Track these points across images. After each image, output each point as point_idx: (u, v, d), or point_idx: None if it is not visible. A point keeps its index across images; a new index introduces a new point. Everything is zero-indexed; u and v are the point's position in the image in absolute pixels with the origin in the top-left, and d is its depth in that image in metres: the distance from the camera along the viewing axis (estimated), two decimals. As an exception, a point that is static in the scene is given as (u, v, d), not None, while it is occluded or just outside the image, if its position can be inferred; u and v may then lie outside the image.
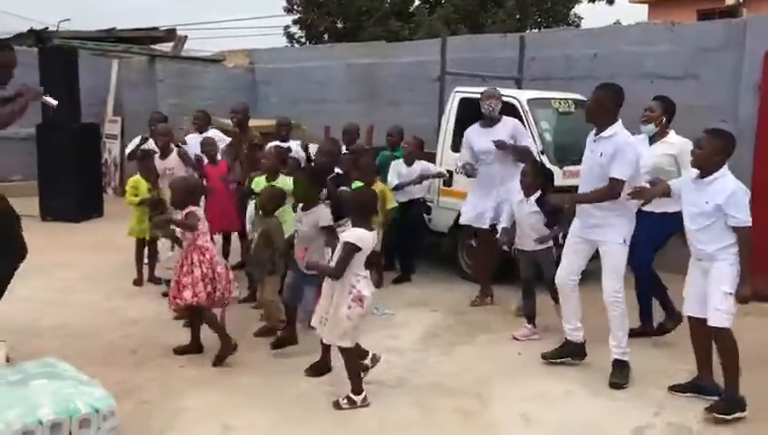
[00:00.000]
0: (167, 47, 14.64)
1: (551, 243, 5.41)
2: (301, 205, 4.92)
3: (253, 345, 5.11)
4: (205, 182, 6.38)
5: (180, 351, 4.93)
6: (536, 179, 5.47)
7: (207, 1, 53.50)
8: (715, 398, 4.20)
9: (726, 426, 4.01)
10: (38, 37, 14.01)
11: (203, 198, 5.66)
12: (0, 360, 3.19)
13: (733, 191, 4.05)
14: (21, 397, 2.99)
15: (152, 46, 14.64)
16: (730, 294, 4.04)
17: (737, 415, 4.04)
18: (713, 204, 4.06)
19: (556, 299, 5.17)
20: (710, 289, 4.10)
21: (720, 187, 4.08)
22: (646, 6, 22.67)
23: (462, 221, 6.59)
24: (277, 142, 7.09)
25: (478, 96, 6.60)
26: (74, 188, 9.90)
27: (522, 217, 5.47)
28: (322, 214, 4.83)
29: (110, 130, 12.88)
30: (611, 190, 4.51)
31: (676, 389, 4.45)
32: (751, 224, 4.05)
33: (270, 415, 4.02)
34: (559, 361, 4.91)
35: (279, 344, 5.04)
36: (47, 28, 14.67)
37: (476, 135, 6.29)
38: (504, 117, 6.31)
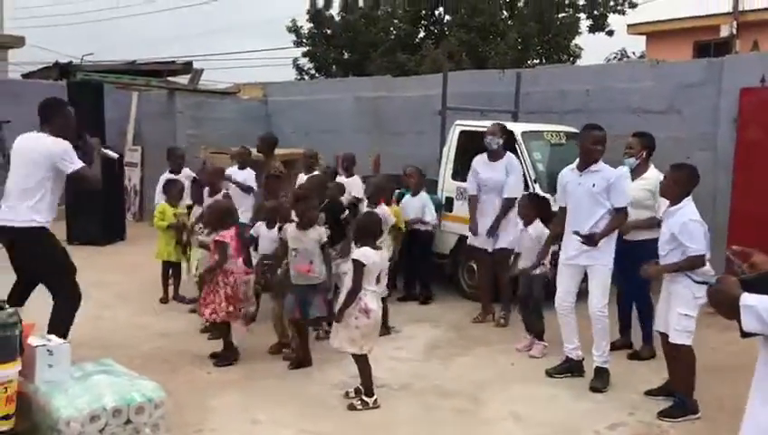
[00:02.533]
0: (184, 79, 15.41)
1: (545, 268, 5.98)
2: (296, 225, 5.38)
3: (266, 356, 5.71)
4: None
5: (214, 355, 5.53)
6: (533, 210, 6.09)
7: (221, 33, 54.89)
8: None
9: (685, 423, 4.56)
10: (62, 70, 14.81)
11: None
12: (67, 359, 3.75)
13: (684, 223, 4.53)
14: (86, 388, 3.57)
15: (169, 78, 15.41)
16: (685, 315, 4.55)
17: (688, 417, 4.59)
18: (669, 233, 4.62)
19: (536, 313, 5.93)
20: (669, 310, 4.66)
21: (678, 218, 4.60)
22: (644, 38, 23.30)
23: (469, 242, 7.15)
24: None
25: (477, 129, 7.23)
26: (100, 214, 10.51)
27: (522, 245, 6.08)
28: (321, 232, 5.39)
29: (130, 159, 13.56)
30: (625, 217, 5.19)
31: (650, 393, 5.00)
32: (703, 252, 4.49)
33: (292, 411, 4.61)
34: (561, 376, 5.39)
35: (297, 366, 5.47)
36: (71, 62, 15.41)
37: (482, 165, 6.91)
38: (508, 153, 6.91)
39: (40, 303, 5.06)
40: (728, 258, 2.46)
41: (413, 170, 7.66)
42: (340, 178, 7.94)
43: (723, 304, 2.08)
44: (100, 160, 5.26)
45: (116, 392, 3.57)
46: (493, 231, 6.76)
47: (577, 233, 5.05)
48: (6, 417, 3.25)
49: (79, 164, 4.85)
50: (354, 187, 7.78)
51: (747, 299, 2.01)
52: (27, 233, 4.79)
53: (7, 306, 3.33)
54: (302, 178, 7.64)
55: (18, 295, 4.96)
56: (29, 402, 3.49)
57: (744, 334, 2.05)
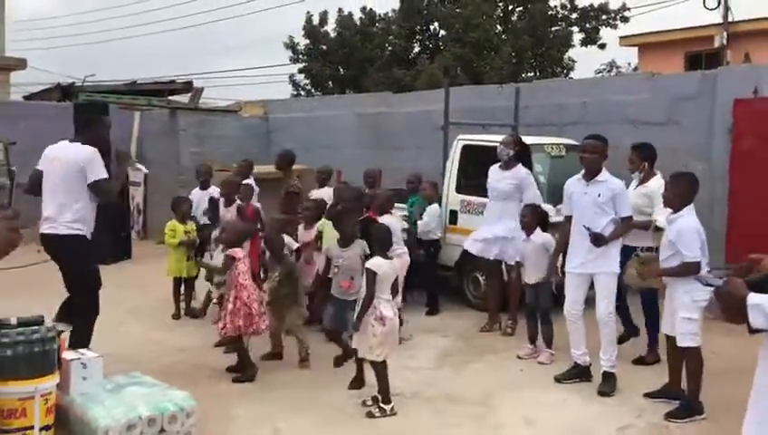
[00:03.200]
0: (184, 98, 15.59)
1: (549, 277, 6.09)
2: (339, 242, 5.68)
3: (284, 367, 5.88)
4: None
5: (231, 368, 5.68)
6: (534, 219, 6.29)
7: (221, 52, 55.41)
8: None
9: (692, 424, 4.74)
10: (64, 91, 14.98)
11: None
12: (99, 372, 3.91)
13: (681, 230, 4.74)
14: (121, 399, 3.73)
15: (171, 98, 15.59)
16: (688, 318, 4.74)
17: (694, 418, 4.77)
18: (668, 239, 4.83)
19: (544, 322, 6.09)
20: (674, 314, 4.86)
21: (677, 225, 4.81)
22: (636, 49, 23.63)
23: (470, 249, 7.29)
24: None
25: (479, 143, 7.45)
26: (106, 233, 10.64)
27: (526, 254, 6.26)
28: (362, 246, 5.58)
29: (133, 178, 13.71)
30: (630, 225, 5.44)
31: (649, 395, 5.18)
32: (697, 260, 4.68)
33: (312, 419, 4.77)
34: (570, 382, 5.56)
35: (340, 361, 5.75)
36: (74, 83, 15.58)
37: (494, 173, 7.09)
38: (519, 165, 7.07)
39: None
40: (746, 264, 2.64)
41: (428, 184, 7.91)
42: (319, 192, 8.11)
43: (730, 305, 2.26)
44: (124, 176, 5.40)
45: (150, 402, 3.73)
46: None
47: (587, 228, 5.21)
48: (47, 427, 3.40)
49: (101, 175, 4.99)
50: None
51: (754, 298, 2.20)
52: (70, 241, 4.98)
53: (48, 321, 3.49)
54: (316, 193, 7.80)
55: (68, 310, 5.16)
56: (66, 413, 3.64)
57: (752, 331, 2.23)
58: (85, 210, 5.05)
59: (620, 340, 5.78)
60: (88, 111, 10.99)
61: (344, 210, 6.00)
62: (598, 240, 5.22)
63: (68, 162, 5.02)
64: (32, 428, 3.31)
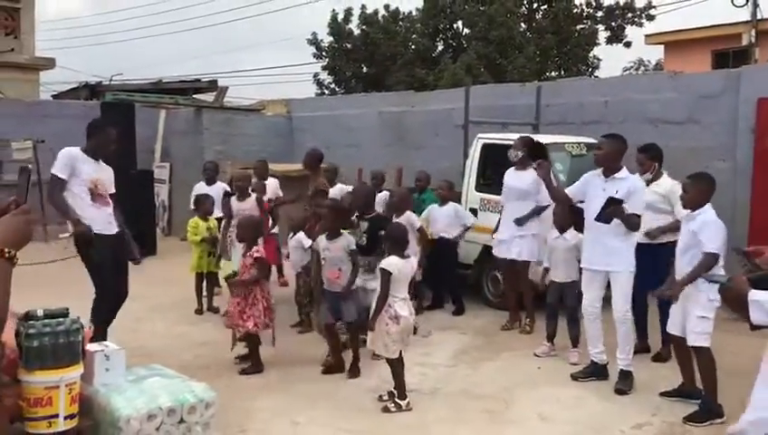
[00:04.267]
0: (209, 96, 15.81)
1: (577, 276, 6.07)
2: (326, 234, 5.71)
3: (302, 362, 5.96)
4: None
5: (249, 371, 5.74)
6: (568, 218, 6.24)
7: (246, 49, 55.92)
8: (698, 401, 4.91)
9: (711, 428, 4.71)
10: (92, 90, 15.29)
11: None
12: (122, 364, 4.02)
13: (705, 222, 4.72)
14: (142, 390, 3.83)
15: (195, 96, 15.82)
16: (703, 317, 4.72)
17: (713, 422, 4.73)
18: (690, 232, 4.80)
19: (571, 320, 6.04)
20: (687, 314, 4.84)
21: (699, 218, 4.78)
22: (662, 47, 23.41)
23: (494, 252, 7.34)
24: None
25: (499, 141, 7.48)
26: (132, 230, 10.81)
27: (556, 252, 6.26)
28: (349, 240, 5.67)
29: (158, 175, 13.93)
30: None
31: (665, 394, 5.18)
32: (717, 252, 4.65)
33: (329, 413, 4.85)
34: (587, 380, 5.57)
35: (328, 371, 5.72)
36: (101, 82, 15.86)
37: (510, 175, 7.14)
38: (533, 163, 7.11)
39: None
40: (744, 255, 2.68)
41: (444, 184, 7.91)
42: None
43: (733, 300, 2.31)
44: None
45: (170, 393, 3.82)
46: (524, 220, 6.97)
47: (606, 206, 5.21)
48: (72, 416, 3.50)
49: (53, 171, 5.38)
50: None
51: (755, 295, 2.24)
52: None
53: (72, 314, 3.60)
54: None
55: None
56: (90, 403, 3.75)
57: (753, 327, 2.27)
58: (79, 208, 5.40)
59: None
60: (114, 111, 11.27)
61: (341, 208, 6.03)
62: (611, 204, 5.19)
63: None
64: (57, 416, 3.41)
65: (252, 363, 5.74)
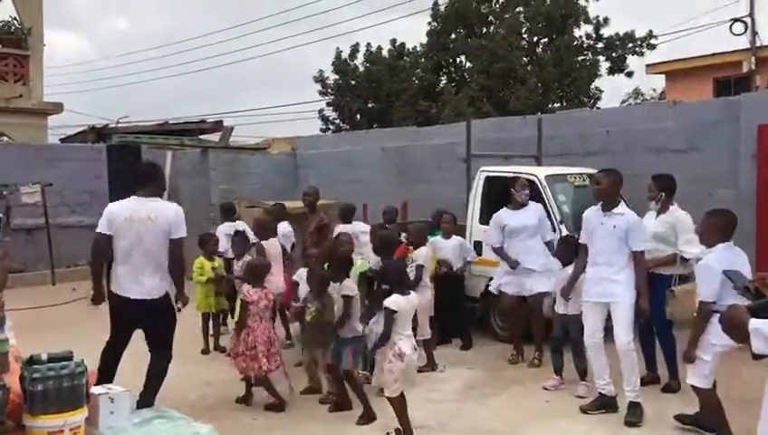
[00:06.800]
0: (215, 136, 15.94)
1: (579, 308, 6.02)
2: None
3: (310, 401, 5.94)
4: None
5: (267, 407, 5.76)
6: (570, 251, 6.24)
7: (248, 89, 56.61)
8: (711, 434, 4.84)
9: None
10: (99, 133, 15.44)
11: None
12: (127, 407, 4.00)
13: (701, 265, 4.54)
14: (146, 433, 3.82)
15: (201, 137, 15.95)
16: (701, 359, 4.59)
17: None
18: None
19: (576, 353, 6.00)
20: None
21: (701, 262, 4.64)
22: (663, 77, 23.52)
23: (491, 288, 7.37)
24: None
25: (501, 174, 7.52)
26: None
27: (561, 284, 6.23)
28: (347, 286, 5.70)
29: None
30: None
31: (679, 418, 5.13)
32: (707, 300, 4.39)
33: (335, 452, 4.81)
34: (596, 412, 5.51)
35: (335, 409, 5.69)
36: (107, 125, 16.03)
37: (508, 216, 7.15)
38: (531, 202, 7.18)
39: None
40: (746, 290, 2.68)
41: (449, 217, 7.95)
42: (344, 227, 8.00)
43: (733, 329, 2.30)
44: None
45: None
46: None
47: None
48: (75, 460, 3.49)
49: (183, 233, 5.15)
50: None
51: (755, 323, 2.23)
52: (162, 302, 5.24)
53: (76, 356, 3.60)
54: (342, 227, 7.87)
55: (115, 354, 5.47)
56: (94, 447, 3.74)
57: (756, 356, 2.26)
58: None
59: (642, 382, 5.67)
60: (121, 153, 11.43)
61: (345, 258, 6.05)
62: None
63: (167, 223, 5.10)
64: (61, 461, 3.41)
65: (274, 401, 5.74)
